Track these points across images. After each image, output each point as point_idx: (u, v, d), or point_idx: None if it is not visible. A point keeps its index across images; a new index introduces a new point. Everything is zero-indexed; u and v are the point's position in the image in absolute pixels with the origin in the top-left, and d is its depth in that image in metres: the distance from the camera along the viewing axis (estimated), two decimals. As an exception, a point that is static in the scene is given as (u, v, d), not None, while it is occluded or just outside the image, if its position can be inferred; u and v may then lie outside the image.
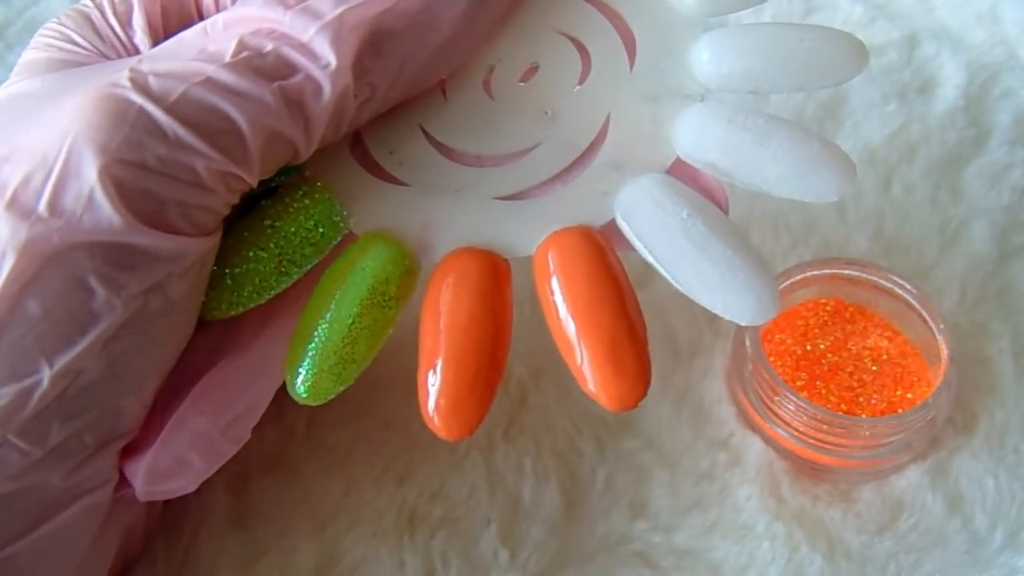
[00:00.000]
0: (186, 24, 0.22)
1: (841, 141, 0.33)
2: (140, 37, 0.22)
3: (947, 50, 0.36)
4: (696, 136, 0.21)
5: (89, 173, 0.17)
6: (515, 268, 0.22)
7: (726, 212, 0.21)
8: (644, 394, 0.19)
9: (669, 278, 0.20)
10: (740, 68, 0.21)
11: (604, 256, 0.20)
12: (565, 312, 0.19)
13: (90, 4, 0.22)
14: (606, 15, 0.23)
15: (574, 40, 0.23)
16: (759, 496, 0.26)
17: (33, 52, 0.22)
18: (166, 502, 0.25)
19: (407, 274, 0.21)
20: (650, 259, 0.20)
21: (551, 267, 0.20)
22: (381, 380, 0.28)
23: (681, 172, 0.21)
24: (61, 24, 0.22)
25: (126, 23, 0.22)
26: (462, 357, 0.19)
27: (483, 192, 0.21)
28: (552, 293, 0.20)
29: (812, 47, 0.21)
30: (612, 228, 0.21)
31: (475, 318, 0.19)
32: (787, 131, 0.20)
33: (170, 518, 0.26)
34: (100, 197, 0.17)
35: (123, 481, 0.21)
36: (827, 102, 0.34)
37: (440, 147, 0.22)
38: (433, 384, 0.19)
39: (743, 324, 0.20)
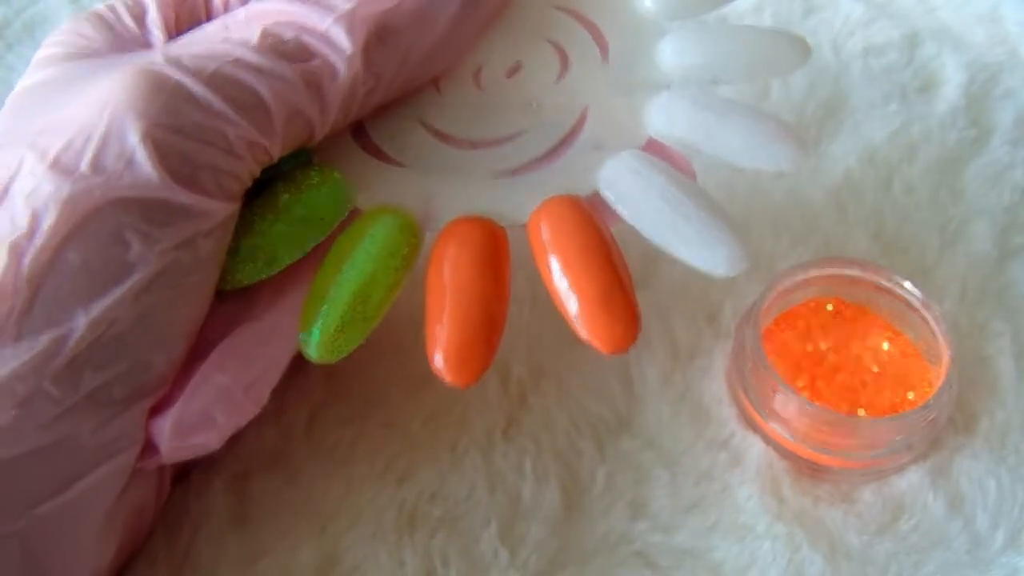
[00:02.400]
0: (195, 26, 0.23)
1: (841, 141, 0.33)
2: (156, 34, 0.23)
3: (948, 50, 0.36)
4: (666, 117, 0.23)
5: (131, 135, 0.19)
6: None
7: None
8: (635, 338, 0.21)
9: (649, 238, 0.22)
10: (700, 61, 0.24)
11: (590, 217, 0.22)
12: (558, 269, 0.21)
13: (103, 8, 0.24)
14: (581, 22, 0.25)
15: (553, 43, 0.25)
16: (759, 496, 0.26)
17: (49, 48, 0.23)
18: (166, 503, 0.25)
19: (413, 241, 0.22)
20: (631, 222, 0.22)
21: (543, 230, 0.22)
22: (381, 380, 0.28)
23: (653, 150, 0.23)
24: (75, 24, 0.23)
25: (140, 22, 0.23)
26: (467, 310, 0.21)
27: (478, 171, 0.24)
28: (546, 253, 0.21)
29: (759, 44, 0.24)
30: (596, 199, 0.23)
31: (476, 276, 0.21)
32: (745, 110, 0.23)
33: (170, 518, 0.26)
34: (141, 157, 0.19)
35: (144, 450, 0.21)
36: (827, 102, 0.34)
37: (437, 134, 0.24)
38: (440, 335, 0.21)
39: (719, 274, 0.21)
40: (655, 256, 0.30)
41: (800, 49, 0.23)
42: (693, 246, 0.21)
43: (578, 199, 0.22)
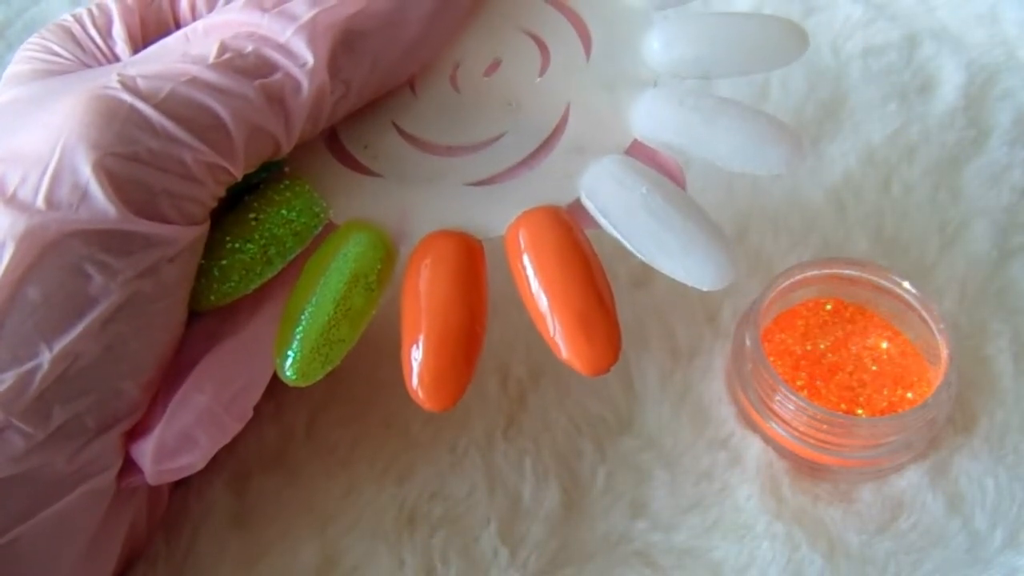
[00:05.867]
0: (164, 33, 0.22)
1: (841, 141, 0.33)
2: (121, 47, 0.23)
3: (947, 50, 0.36)
4: (651, 118, 0.22)
5: (83, 167, 0.18)
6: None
7: (683, 187, 0.22)
8: (616, 359, 0.20)
9: (633, 250, 0.21)
10: (690, 55, 0.22)
11: (571, 232, 0.21)
12: (537, 286, 0.20)
13: (70, 18, 0.23)
14: (562, 12, 0.24)
15: (533, 36, 0.24)
16: (759, 496, 0.26)
17: (17, 65, 0.22)
18: (168, 500, 0.25)
19: (387, 258, 0.21)
20: (614, 233, 0.21)
21: (522, 245, 0.21)
22: (381, 380, 0.28)
23: (639, 153, 0.22)
24: (42, 38, 0.23)
25: (106, 34, 0.23)
26: (442, 333, 0.20)
27: (455, 179, 0.23)
28: (524, 269, 0.21)
29: (754, 34, 0.22)
30: (577, 207, 0.22)
31: (452, 295, 0.21)
32: (736, 110, 0.21)
33: (170, 518, 0.26)
34: (95, 189, 0.18)
35: (128, 470, 0.21)
36: (827, 102, 0.34)
37: (412, 140, 0.23)
38: (416, 359, 0.20)
39: (704, 289, 0.21)
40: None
41: (797, 38, 0.22)
42: (677, 259, 0.20)
43: (558, 210, 0.22)
